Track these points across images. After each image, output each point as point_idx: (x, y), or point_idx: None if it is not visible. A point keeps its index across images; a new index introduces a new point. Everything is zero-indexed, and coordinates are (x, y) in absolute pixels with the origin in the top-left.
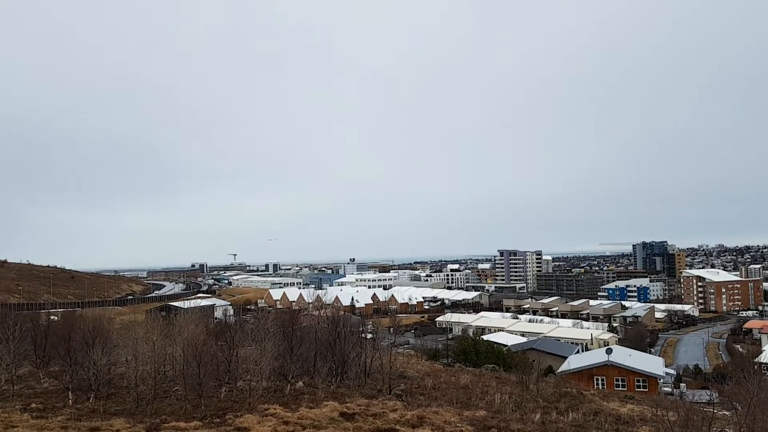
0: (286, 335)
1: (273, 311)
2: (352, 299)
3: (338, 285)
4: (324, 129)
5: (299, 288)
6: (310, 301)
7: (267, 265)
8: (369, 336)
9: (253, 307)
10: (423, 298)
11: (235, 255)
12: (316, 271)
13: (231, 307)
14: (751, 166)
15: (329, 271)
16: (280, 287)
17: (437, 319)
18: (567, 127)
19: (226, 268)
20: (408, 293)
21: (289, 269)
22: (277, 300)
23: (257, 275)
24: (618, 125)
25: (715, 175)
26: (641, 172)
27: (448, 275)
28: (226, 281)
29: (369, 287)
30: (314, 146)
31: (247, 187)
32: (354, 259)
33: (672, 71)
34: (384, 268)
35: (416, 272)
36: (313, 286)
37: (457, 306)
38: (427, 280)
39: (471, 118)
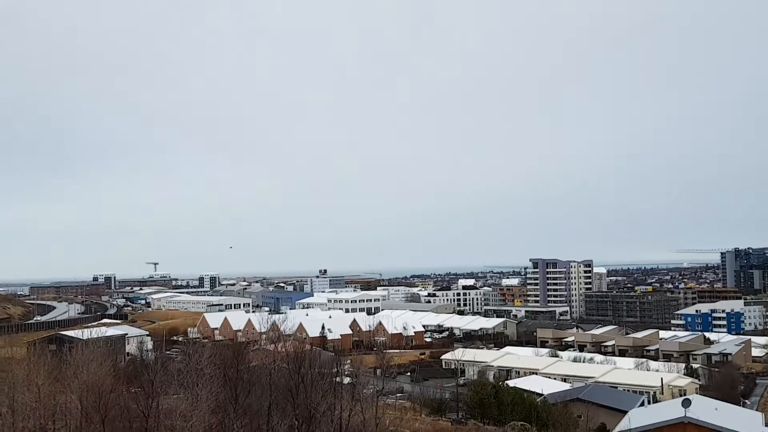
0: (228, 379)
1: (210, 344)
2: (323, 328)
3: (303, 308)
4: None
5: (247, 311)
6: (263, 330)
7: (201, 279)
8: (347, 380)
9: (181, 339)
10: (423, 326)
11: (156, 264)
12: (271, 288)
13: (150, 338)
14: None
15: (291, 288)
16: (221, 310)
17: (443, 356)
18: (615, 100)
19: (143, 283)
20: (402, 320)
21: (234, 285)
22: (216, 328)
23: (187, 293)
24: (705, 89)
25: None
26: (733, 154)
27: (459, 295)
28: (143, 301)
29: (347, 311)
30: (270, 120)
31: (177, 171)
32: (326, 271)
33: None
34: (369, 284)
35: (414, 290)
36: (267, 308)
37: (471, 338)
38: (429, 302)
39: (486, 98)
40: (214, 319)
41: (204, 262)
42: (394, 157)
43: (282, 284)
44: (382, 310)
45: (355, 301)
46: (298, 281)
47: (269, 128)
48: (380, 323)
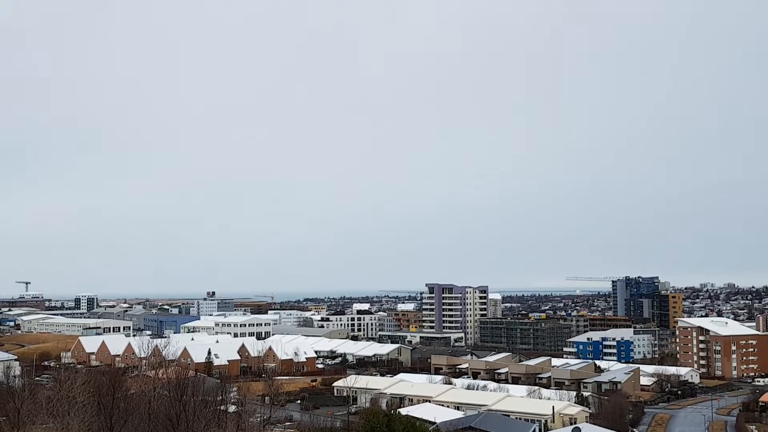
0: (102, 407)
1: (84, 370)
2: (209, 353)
3: (189, 332)
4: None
5: (128, 335)
6: (144, 355)
7: (78, 300)
8: (232, 409)
9: (53, 364)
10: (316, 352)
11: (27, 284)
12: (154, 311)
13: (18, 363)
14: None
15: (176, 311)
16: (98, 333)
17: (335, 384)
18: (518, 120)
19: (12, 304)
20: (294, 345)
21: (113, 307)
22: (92, 353)
23: (62, 315)
24: (599, 114)
25: (726, 193)
26: (628, 185)
27: (353, 319)
28: (12, 323)
29: (236, 335)
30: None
31: (52, 186)
32: (214, 293)
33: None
34: (260, 308)
35: (307, 314)
36: (149, 332)
37: (365, 365)
38: (322, 326)
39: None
40: (91, 343)
41: (81, 282)
42: (286, 177)
43: (166, 307)
44: (273, 334)
45: (245, 325)
46: (183, 304)
47: (153, 142)
48: (270, 348)
